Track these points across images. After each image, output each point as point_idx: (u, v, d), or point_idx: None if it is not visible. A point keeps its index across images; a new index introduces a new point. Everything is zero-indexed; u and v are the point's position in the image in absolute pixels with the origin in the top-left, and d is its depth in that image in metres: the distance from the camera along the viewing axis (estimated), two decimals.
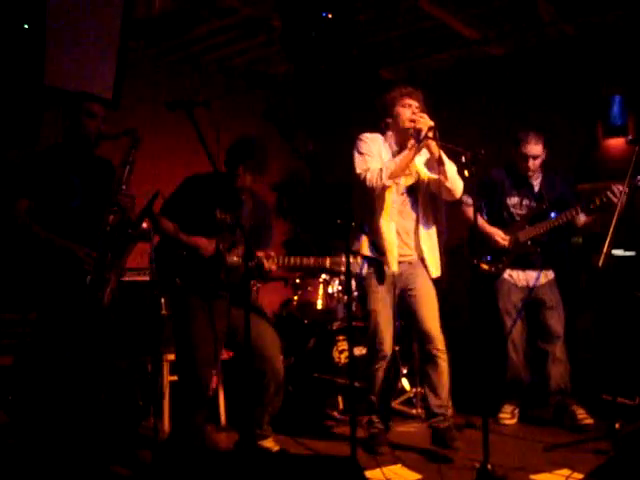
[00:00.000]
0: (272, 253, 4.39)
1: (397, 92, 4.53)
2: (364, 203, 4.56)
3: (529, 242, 5.24)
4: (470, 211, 5.20)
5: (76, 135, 4.16)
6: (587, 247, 5.76)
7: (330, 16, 5.58)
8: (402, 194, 4.54)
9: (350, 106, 7.98)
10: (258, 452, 4.18)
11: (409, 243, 4.57)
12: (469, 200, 5.18)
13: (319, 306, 5.86)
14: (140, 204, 4.23)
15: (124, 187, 4.12)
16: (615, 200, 4.76)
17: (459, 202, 5.11)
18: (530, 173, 5.27)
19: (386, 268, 4.48)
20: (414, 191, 4.57)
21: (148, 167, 5.47)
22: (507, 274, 5.31)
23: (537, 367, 5.33)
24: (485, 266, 5.30)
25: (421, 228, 4.57)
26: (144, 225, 4.09)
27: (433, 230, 4.65)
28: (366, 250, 4.50)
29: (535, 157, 5.22)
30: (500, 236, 5.25)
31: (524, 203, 5.32)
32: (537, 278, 5.31)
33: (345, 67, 7.01)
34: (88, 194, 4.12)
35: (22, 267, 4.14)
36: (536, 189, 5.34)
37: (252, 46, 7.05)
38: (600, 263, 4.21)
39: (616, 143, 6.21)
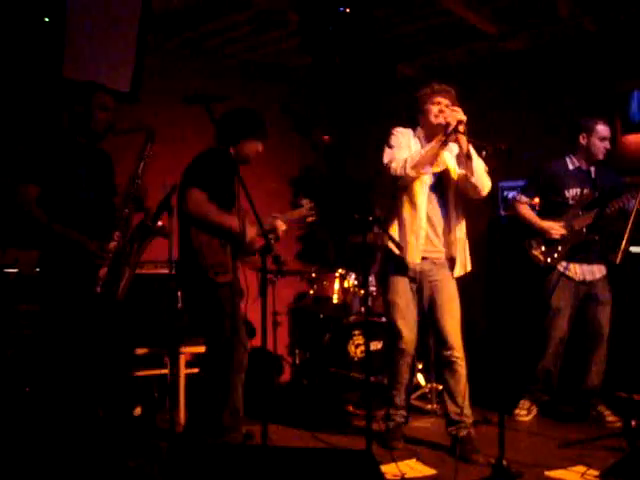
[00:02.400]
0: (277, 214, 4.52)
1: (429, 89, 4.49)
2: (391, 196, 4.53)
3: (584, 230, 5.15)
4: (523, 209, 5.26)
5: (85, 126, 4.11)
6: (604, 245, 5.72)
7: (347, 10, 5.58)
8: (430, 189, 4.48)
9: (367, 100, 7.98)
10: (273, 446, 4.19)
11: (435, 240, 4.50)
12: (522, 198, 5.23)
13: (335, 300, 5.87)
14: (157, 197, 4.24)
15: (139, 181, 4.12)
16: None
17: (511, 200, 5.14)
18: (603, 157, 5.20)
19: (408, 261, 4.45)
20: (443, 187, 4.52)
21: (165, 160, 5.46)
22: (564, 268, 5.19)
23: (569, 363, 5.29)
24: (540, 257, 5.21)
25: (451, 224, 4.50)
26: (159, 222, 4.08)
27: (462, 225, 4.56)
28: (389, 243, 4.48)
29: (609, 139, 5.22)
30: (555, 229, 5.16)
31: (585, 192, 5.21)
32: (593, 272, 5.21)
33: (362, 61, 7.01)
34: (95, 186, 4.10)
35: (43, 258, 4.06)
36: (592, 177, 5.26)
37: (269, 39, 7.05)
38: (617, 260, 4.20)
39: (634, 139, 6.16)
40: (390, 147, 4.50)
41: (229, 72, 7.50)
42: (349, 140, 7.75)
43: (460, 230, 4.55)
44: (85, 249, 3.90)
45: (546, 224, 5.20)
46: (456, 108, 4.33)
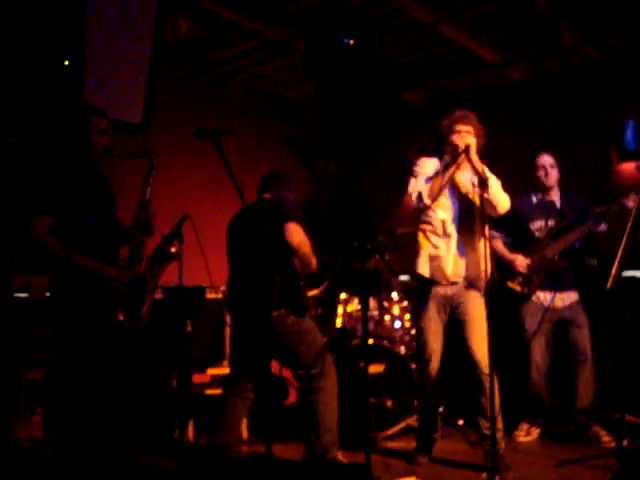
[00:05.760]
0: None
1: (450, 119, 4.63)
2: (414, 222, 4.74)
3: (556, 257, 5.31)
4: (496, 243, 5.41)
5: (83, 150, 4.10)
6: (602, 269, 5.83)
7: (352, 42, 5.70)
8: (447, 213, 4.63)
9: (372, 128, 8.11)
10: (272, 461, 4.31)
11: (459, 262, 4.62)
12: (495, 234, 5.39)
13: (338, 324, 5.98)
14: (168, 223, 4.37)
15: (147, 207, 4.14)
16: (630, 204, 4.89)
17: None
18: (548, 184, 5.39)
19: (436, 287, 4.63)
20: (467, 212, 4.65)
21: (176, 189, 5.58)
22: (534, 296, 5.38)
23: (562, 386, 5.41)
24: (517, 287, 5.37)
25: (475, 245, 4.61)
26: (172, 249, 4.21)
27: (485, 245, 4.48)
28: (422, 269, 4.66)
29: (551, 166, 5.39)
30: (519, 261, 5.34)
31: (549, 224, 5.39)
32: (562, 299, 5.37)
33: (366, 90, 7.14)
34: (99, 210, 4.08)
35: (55, 284, 4.04)
36: (557, 206, 5.44)
37: (275, 69, 7.18)
38: (608, 285, 4.26)
39: (629, 167, 6.29)
40: (415, 176, 4.67)
41: (237, 101, 7.63)
42: (353, 167, 7.87)
43: (477, 248, 4.60)
44: (105, 277, 3.93)
45: (512, 255, 5.40)
46: (465, 128, 4.53)
